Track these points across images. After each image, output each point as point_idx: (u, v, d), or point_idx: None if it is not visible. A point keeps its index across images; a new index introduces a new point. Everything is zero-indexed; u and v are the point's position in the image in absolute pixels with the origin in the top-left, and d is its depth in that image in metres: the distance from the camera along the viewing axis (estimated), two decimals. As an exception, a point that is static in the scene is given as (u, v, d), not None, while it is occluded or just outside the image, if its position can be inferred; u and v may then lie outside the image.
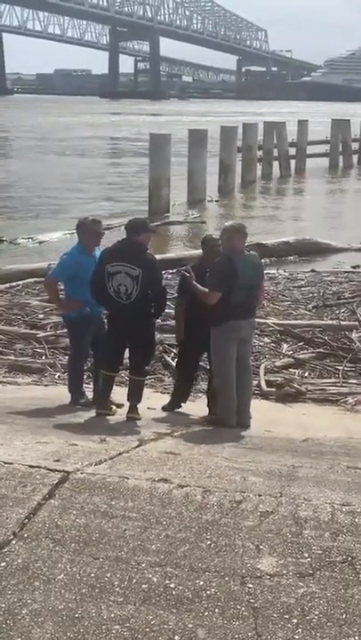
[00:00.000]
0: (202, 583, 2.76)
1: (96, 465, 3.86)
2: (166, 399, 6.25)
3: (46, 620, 2.52)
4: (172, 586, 2.74)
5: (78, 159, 35.71)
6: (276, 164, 30.40)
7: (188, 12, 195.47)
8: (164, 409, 6.01)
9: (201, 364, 6.28)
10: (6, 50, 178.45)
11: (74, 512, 3.24)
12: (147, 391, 6.06)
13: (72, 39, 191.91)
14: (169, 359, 7.55)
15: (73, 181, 27.38)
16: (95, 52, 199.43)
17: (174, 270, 7.52)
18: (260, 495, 3.50)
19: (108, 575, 2.79)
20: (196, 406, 6.10)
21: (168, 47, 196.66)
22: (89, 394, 6.15)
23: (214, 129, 25.51)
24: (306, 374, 7.46)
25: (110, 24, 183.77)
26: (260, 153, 29.16)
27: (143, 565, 2.86)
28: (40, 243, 15.98)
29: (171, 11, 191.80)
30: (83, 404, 5.95)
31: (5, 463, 3.74)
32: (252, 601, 2.67)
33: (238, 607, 2.63)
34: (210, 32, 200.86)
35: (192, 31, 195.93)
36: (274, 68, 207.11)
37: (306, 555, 2.97)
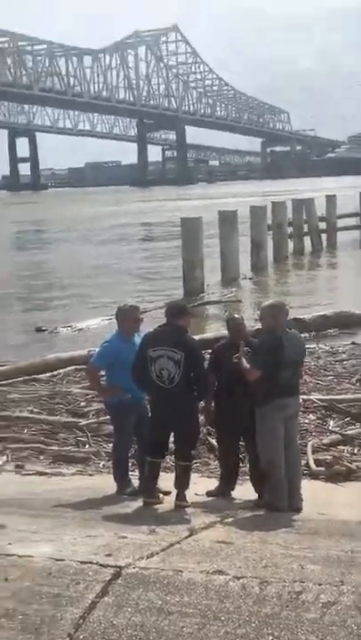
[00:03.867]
0: None
1: (148, 558, 3.77)
2: (213, 483, 6.12)
3: None
4: None
5: (111, 246, 36.56)
6: (307, 240, 30.70)
7: (211, 101, 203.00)
8: (209, 494, 5.88)
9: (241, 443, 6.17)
10: (39, 147, 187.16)
11: (129, 610, 3.15)
12: (193, 476, 5.96)
13: (101, 134, 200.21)
14: (213, 441, 7.44)
15: (107, 268, 27.95)
16: (124, 143, 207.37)
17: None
18: (320, 584, 3.37)
19: None
20: (244, 490, 5.96)
21: (194, 134, 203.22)
22: (135, 481, 6.06)
23: (245, 209, 26.00)
24: (356, 451, 7.27)
25: (137, 117, 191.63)
26: (290, 229, 29.53)
27: (204, 666, 2.73)
28: (79, 330, 16.18)
29: (195, 100, 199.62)
30: (129, 494, 5.85)
31: (57, 560, 3.67)
32: None
33: None
34: (233, 117, 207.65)
35: (216, 118, 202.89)
36: (298, 147, 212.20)
37: (375, 649, 2.82)
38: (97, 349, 6.29)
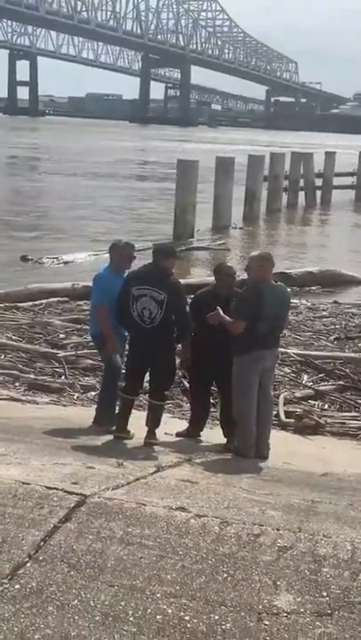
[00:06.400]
0: (217, 617, 2.71)
1: (113, 489, 3.84)
2: (183, 424, 6.20)
3: (58, 647, 2.48)
4: (187, 618, 2.69)
5: (106, 182, 36.06)
6: (301, 194, 30.46)
7: (220, 42, 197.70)
8: (178, 435, 5.96)
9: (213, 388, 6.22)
10: (40, 73, 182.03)
11: (90, 537, 3.21)
12: (165, 416, 6.03)
13: (105, 64, 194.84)
14: (188, 384, 7.50)
15: (100, 203, 27.63)
16: (127, 77, 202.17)
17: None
18: (278, 529, 3.45)
19: (123, 604, 2.75)
20: (214, 433, 6.05)
21: (199, 75, 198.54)
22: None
23: (243, 158, 25.65)
24: (326, 407, 7.38)
25: (143, 51, 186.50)
26: (286, 182, 29.24)
27: (158, 595, 2.81)
28: (65, 263, 16.07)
29: (203, 40, 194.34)
30: (106, 428, 5.79)
31: (23, 483, 3.72)
32: (268, 638, 2.61)
33: (254, 644, 2.57)
34: (241, 62, 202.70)
35: (223, 60, 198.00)
36: (303, 100, 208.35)
37: (324, 593, 2.91)
38: (92, 285, 6.10)
